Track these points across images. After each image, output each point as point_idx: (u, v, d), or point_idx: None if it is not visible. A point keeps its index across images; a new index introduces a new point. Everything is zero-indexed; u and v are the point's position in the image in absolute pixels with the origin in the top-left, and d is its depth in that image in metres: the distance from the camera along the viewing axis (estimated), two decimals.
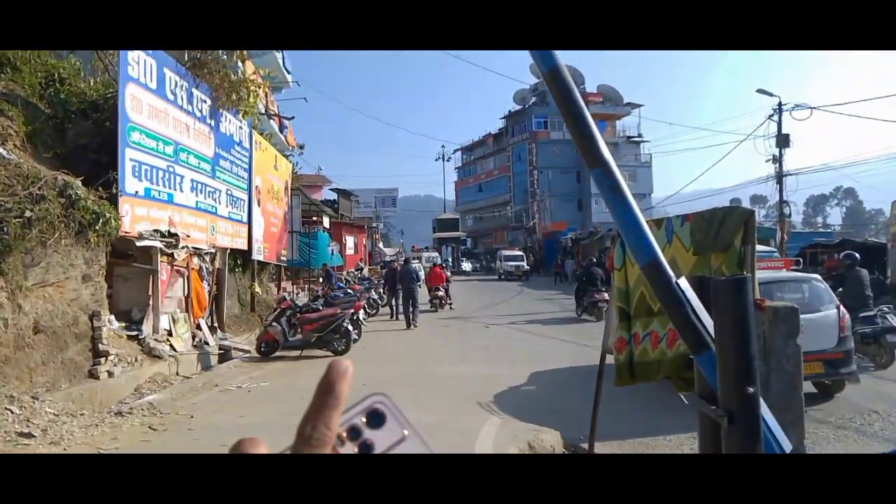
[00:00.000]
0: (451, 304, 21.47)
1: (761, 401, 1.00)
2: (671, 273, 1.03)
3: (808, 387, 3.62)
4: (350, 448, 0.47)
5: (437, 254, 48.57)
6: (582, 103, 1.03)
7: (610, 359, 4.39)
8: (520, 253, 45.10)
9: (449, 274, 24.71)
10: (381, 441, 0.47)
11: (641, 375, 3.88)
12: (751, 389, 0.98)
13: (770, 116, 24.19)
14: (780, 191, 25.29)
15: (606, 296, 14.55)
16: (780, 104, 24.18)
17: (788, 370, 2.97)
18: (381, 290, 21.03)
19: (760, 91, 23.89)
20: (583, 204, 59.15)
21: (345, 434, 0.47)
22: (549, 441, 6.16)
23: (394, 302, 18.60)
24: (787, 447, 1.04)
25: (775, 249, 21.24)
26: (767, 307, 3.10)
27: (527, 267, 42.03)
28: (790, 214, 27.94)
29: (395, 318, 18.23)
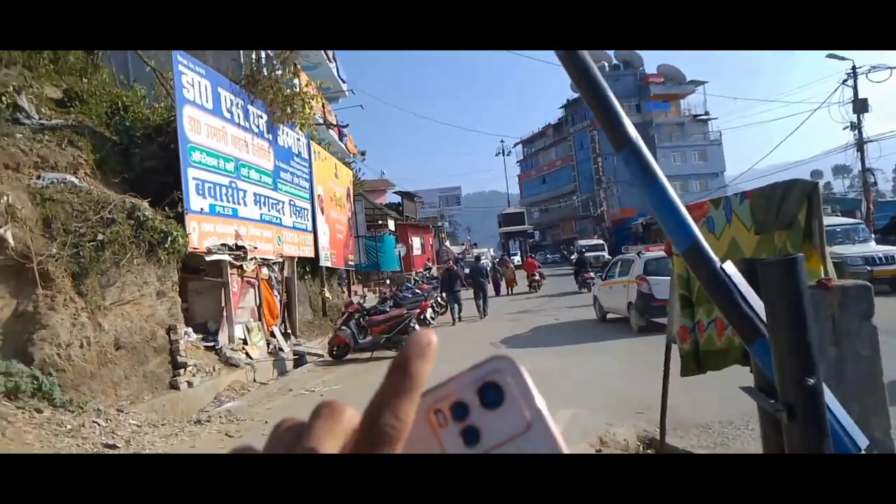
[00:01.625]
0: (543, 283, 25.71)
1: (827, 392, 0.91)
2: (714, 257, 0.95)
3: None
4: (453, 431, 0.36)
5: (485, 250, 48.68)
6: (602, 81, 0.97)
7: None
8: (599, 242, 41.96)
9: (539, 262, 31.21)
10: (494, 429, 0.35)
11: (708, 365, 3.67)
12: (811, 381, 0.90)
13: (844, 81, 22.76)
14: (862, 159, 23.73)
15: (594, 274, 18.65)
16: (854, 68, 22.70)
17: (865, 354, 2.68)
18: (439, 297, 17.98)
19: (831, 56, 22.50)
20: None
21: (448, 411, 0.36)
22: (622, 435, 5.95)
23: (454, 308, 16.89)
24: (863, 443, 0.93)
25: (861, 221, 19.98)
26: (835, 287, 2.85)
27: (608, 257, 36.32)
28: (875, 183, 26.19)
29: (455, 322, 16.69)
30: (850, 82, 22.76)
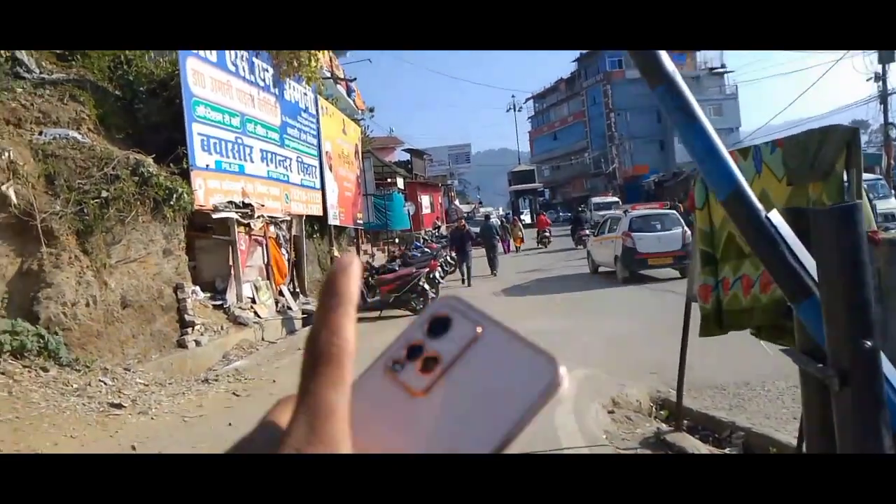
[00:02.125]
0: (551, 240, 27.40)
1: (883, 357, 0.83)
2: (759, 206, 0.87)
3: None
4: (410, 369, 0.36)
5: (491, 209, 47.15)
6: None
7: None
8: (614, 199, 37.29)
9: (550, 220, 31.84)
10: (449, 349, 0.35)
11: (731, 324, 3.48)
12: (868, 343, 0.81)
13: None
14: (885, 112, 23.01)
15: (588, 231, 18.65)
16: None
17: None
18: (449, 256, 16.83)
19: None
20: (665, 145, 56.58)
21: (404, 357, 0.36)
22: (636, 396, 5.85)
23: (464, 267, 16.33)
24: None
25: (881, 177, 19.49)
26: (882, 239, 2.66)
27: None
28: None
29: (466, 283, 16.00)
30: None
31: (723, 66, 58.44)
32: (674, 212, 15.80)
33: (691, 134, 0.87)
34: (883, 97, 22.90)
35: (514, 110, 69.10)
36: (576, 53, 62.97)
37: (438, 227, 32.66)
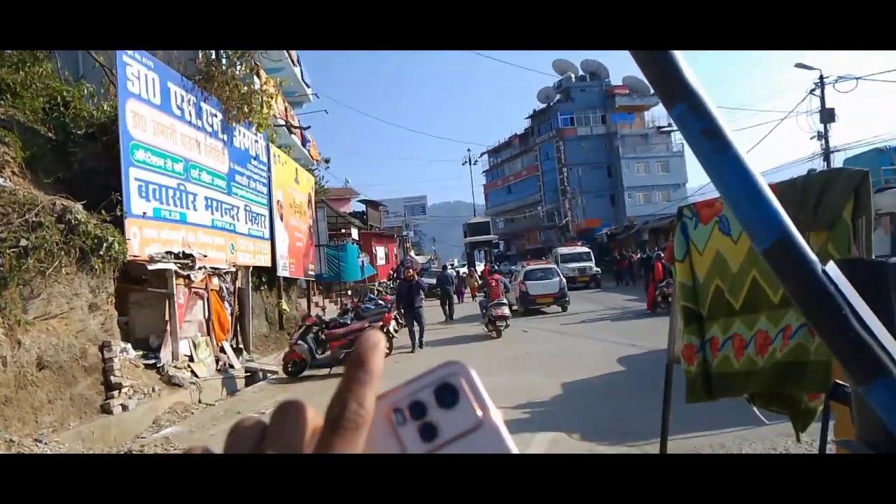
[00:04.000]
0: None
1: None
2: (813, 256, 0.61)
3: None
4: (410, 428, 0.37)
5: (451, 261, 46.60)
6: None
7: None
8: (584, 249, 32.23)
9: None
10: (449, 425, 0.37)
11: (722, 390, 3.08)
12: None
13: (812, 91, 22.87)
14: (828, 167, 23.90)
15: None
16: (821, 77, 22.86)
17: None
18: (396, 314, 14.02)
19: (799, 66, 22.63)
20: (615, 199, 57.86)
21: (407, 410, 0.38)
22: None
23: (414, 328, 13.52)
24: None
25: None
26: None
27: (594, 269, 29.99)
28: None
29: (415, 348, 13.34)
30: (818, 92, 22.90)
31: (669, 124, 60.57)
32: (553, 266, 22.15)
33: (721, 164, 0.66)
34: (826, 154, 23.77)
35: (470, 163, 69.89)
36: (529, 111, 64.61)
37: (394, 279, 32.10)
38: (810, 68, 22.56)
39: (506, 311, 14.95)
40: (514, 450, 0.37)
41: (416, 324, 13.59)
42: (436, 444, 0.37)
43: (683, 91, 0.67)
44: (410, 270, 14.97)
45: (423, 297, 14.22)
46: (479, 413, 0.37)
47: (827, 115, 22.91)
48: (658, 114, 60.89)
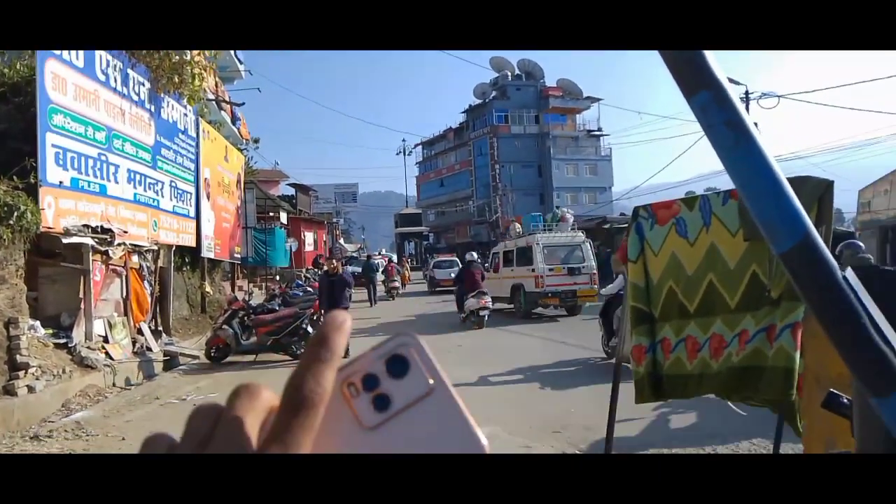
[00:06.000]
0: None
1: None
2: (835, 263, 0.57)
3: None
4: (364, 400, 0.38)
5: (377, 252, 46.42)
6: None
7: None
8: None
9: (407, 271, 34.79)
10: (401, 394, 0.38)
11: (673, 391, 3.11)
12: None
13: None
14: None
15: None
16: (746, 93, 23.95)
17: None
18: (317, 315, 11.38)
19: (730, 80, 23.50)
20: (544, 197, 58.95)
21: (359, 383, 0.38)
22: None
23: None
24: None
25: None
26: None
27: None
28: None
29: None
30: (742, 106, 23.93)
31: (599, 129, 62.22)
32: (455, 258, 30.32)
33: (743, 159, 0.61)
34: None
35: (405, 154, 69.50)
36: (465, 105, 64.85)
37: (321, 266, 31.51)
38: (737, 83, 23.60)
39: (488, 301, 14.53)
40: (466, 413, 0.38)
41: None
42: (389, 413, 0.38)
43: (707, 79, 0.61)
44: (334, 262, 11.86)
45: (350, 294, 11.48)
46: (430, 380, 0.38)
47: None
48: (589, 117, 62.49)
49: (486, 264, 18.57)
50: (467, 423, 0.37)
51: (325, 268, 11.99)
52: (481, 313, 14.40)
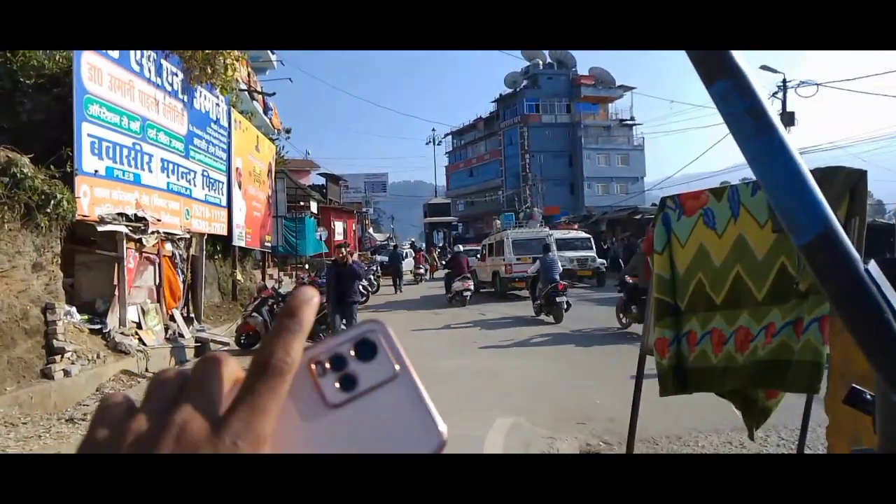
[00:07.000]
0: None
1: None
2: (856, 254, 0.56)
3: None
4: (331, 378, 0.39)
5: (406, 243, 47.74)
6: None
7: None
8: (584, 235, 23.64)
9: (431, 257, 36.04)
10: (367, 376, 0.40)
11: (698, 384, 3.05)
12: None
13: (774, 94, 23.35)
14: None
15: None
16: (784, 81, 23.35)
17: None
18: (324, 301, 10.07)
19: (764, 68, 23.06)
20: (575, 188, 58.46)
21: (327, 363, 0.40)
22: (567, 451, 5.38)
23: (340, 327, 9.98)
24: None
25: None
26: None
27: (598, 261, 22.37)
28: None
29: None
30: (780, 95, 23.40)
31: (632, 118, 61.34)
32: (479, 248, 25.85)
33: (764, 148, 0.59)
34: None
35: (434, 143, 69.49)
36: (495, 94, 64.44)
37: (352, 254, 31.70)
38: (775, 71, 23.05)
39: (470, 284, 18.01)
40: (428, 400, 0.39)
41: (341, 324, 10.03)
42: (354, 393, 0.39)
43: (728, 66, 0.61)
44: (342, 251, 10.67)
45: (358, 287, 10.73)
46: (396, 366, 0.39)
47: (787, 119, 23.46)
48: (621, 106, 61.72)
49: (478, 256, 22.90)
50: (427, 408, 0.38)
51: (336, 257, 10.80)
52: (464, 294, 17.63)
